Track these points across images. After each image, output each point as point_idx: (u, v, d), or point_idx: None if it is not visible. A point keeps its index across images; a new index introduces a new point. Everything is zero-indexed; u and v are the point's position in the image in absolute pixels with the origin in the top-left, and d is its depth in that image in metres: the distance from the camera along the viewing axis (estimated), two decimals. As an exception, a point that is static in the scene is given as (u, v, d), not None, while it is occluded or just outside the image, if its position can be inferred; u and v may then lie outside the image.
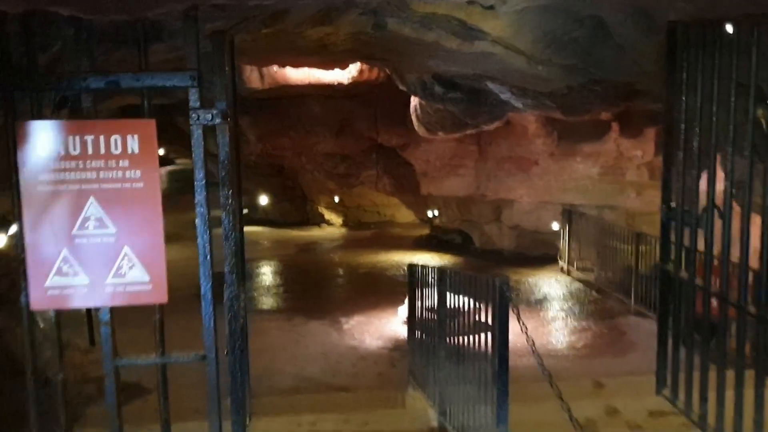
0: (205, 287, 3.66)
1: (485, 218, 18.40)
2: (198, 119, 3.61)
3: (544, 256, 17.37)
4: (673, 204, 5.34)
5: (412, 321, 8.94)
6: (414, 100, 11.43)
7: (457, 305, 6.16)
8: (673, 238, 5.39)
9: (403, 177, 18.68)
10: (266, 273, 17.86)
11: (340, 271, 17.84)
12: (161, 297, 3.68)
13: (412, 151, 17.58)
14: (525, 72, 8.41)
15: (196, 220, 3.63)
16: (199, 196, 3.59)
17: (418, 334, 8.58)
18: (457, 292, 6.06)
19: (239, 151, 5.16)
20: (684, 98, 5.06)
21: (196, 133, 3.63)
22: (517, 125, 15.84)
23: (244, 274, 5.23)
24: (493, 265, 17.62)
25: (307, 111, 17.49)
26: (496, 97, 10.16)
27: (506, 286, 4.58)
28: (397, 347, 11.08)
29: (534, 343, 5.77)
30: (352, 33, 7.10)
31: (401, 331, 11.76)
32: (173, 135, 28.40)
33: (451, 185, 17.80)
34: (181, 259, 20.18)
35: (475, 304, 5.49)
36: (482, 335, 5.71)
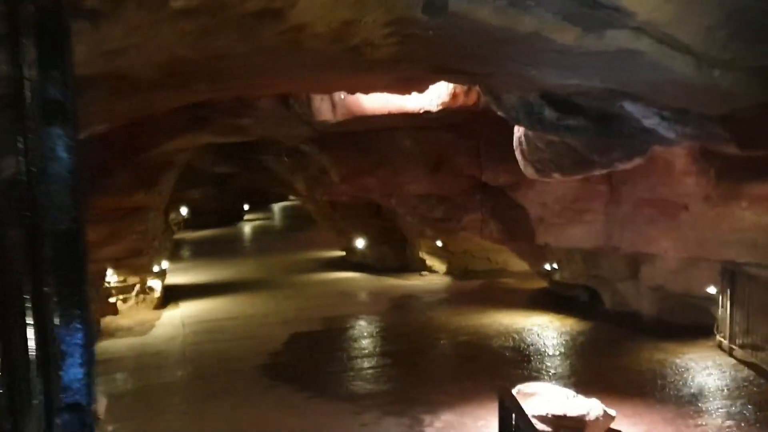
0: None
1: (619, 275, 14.81)
2: None
3: (694, 326, 13.57)
4: None
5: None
6: (518, 131, 8.37)
7: None
8: None
9: (515, 222, 15.47)
10: (347, 339, 15.07)
11: (435, 338, 14.76)
12: None
13: (524, 191, 14.36)
14: (690, 82, 5.18)
15: None
16: None
17: None
18: None
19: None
20: None
21: None
22: (659, 159, 12.27)
23: None
24: (628, 335, 13.99)
25: (395, 145, 14.73)
26: (636, 124, 6.91)
27: None
28: (494, 479, 7.88)
29: None
30: (392, 22, 4.20)
31: (502, 445, 8.57)
32: (263, 176, 26.52)
33: (574, 234, 14.38)
34: (257, 314, 17.95)
35: None
36: None
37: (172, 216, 42.63)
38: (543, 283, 18.64)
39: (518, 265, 21.03)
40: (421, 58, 5.38)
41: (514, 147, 8.92)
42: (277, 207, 53.28)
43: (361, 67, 5.72)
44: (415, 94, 9.69)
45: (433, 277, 21.63)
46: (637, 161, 8.45)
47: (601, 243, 14.18)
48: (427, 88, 8.17)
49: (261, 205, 50.37)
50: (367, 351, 13.89)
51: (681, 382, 11.18)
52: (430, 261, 22.09)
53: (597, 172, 9.45)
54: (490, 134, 14.20)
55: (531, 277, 19.88)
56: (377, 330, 15.70)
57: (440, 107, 11.38)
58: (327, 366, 12.98)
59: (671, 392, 10.74)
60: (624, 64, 4.98)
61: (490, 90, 7.09)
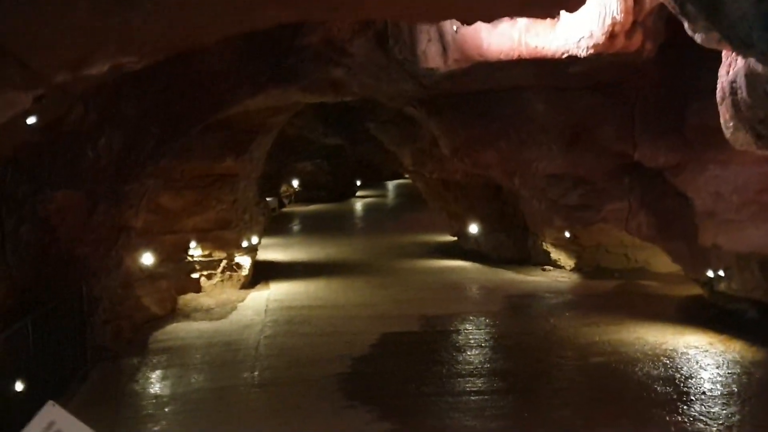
0: None
1: (812, 292, 11.14)
2: None
3: None
4: None
5: None
6: (729, 73, 5.26)
7: None
8: None
9: (671, 215, 12.04)
10: (449, 347, 12.24)
11: (561, 357, 11.68)
12: None
13: (690, 175, 10.92)
14: None
15: None
16: None
17: None
18: None
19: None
20: None
21: None
22: None
23: None
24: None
25: (523, 111, 11.66)
26: None
27: None
28: None
29: None
30: None
31: None
32: (371, 149, 23.76)
33: (757, 235, 10.81)
34: (348, 304, 15.37)
35: None
36: None
37: (283, 189, 41.56)
38: (695, 290, 15.00)
39: (663, 264, 17.40)
40: None
41: (718, 99, 5.76)
42: (391, 185, 51.54)
43: None
44: (559, 27, 6.72)
45: (558, 273, 18.38)
46: None
47: (796, 249, 10.58)
48: (583, 1, 5.22)
49: (374, 181, 48.94)
50: (472, 367, 11.04)
51: None
52: (556, 254, 18.84)
53: None
54: (649, 98, 10.90)
55: (679, 281, 16.27)
56: (487, 338, 12.80)
57: (591, 51, 8.24)
58: (419, 384, 10.27)
59: None
60: None
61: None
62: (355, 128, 21.34)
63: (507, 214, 20.34)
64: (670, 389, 9.86)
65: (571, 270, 18.39)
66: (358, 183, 44.94)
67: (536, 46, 8.39)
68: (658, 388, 9.91)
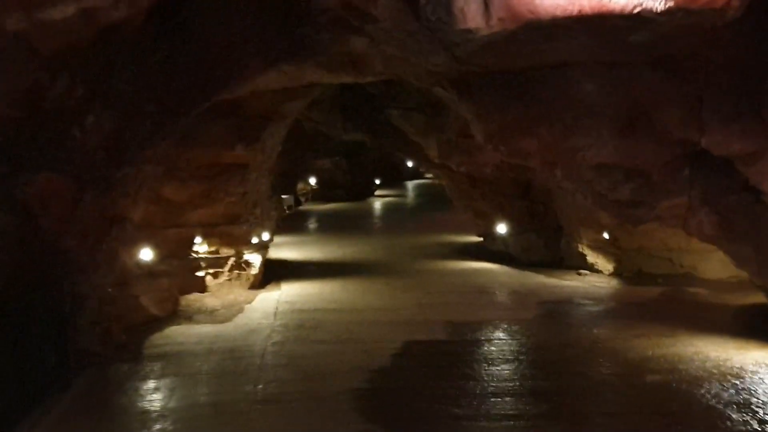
0: None
1: None
2: None
3: None
4: None
5: None
6: None
7: None
8: None
9: (738, 213, 10.46)
10: (480, 360, 10.75)
11: (609, 373, 10.13)
12: None
13: (767, 166, 9.36)
14: None
15: None
16: None
17: None
18: None
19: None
20: None
21: None
22: None
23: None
24: None
25: (570, 92, 10.11)
26: None
27: None
28: None
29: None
30: None
31: None
32: (394, 142, 22.12)
33: None
34: (366, 308, 12.82)
35: None
36: None
37: (300, 186, 40.28)
38: (753, 298, 13.41)
39: (711, 270, 15.86)
40: None
41: None
42: (410, 184, 50.36)
43: None
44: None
45: (596, 278, 16.81)
46: None
47: None
48: None
49: (394, 181, 47.90)
50: (510, 385, 9.53)
51: None
52: (592, 257, 17.27)
53: None
54: (721, 74, 9.33)
55: (731, 289, 14.75)
56: (524, 350, 11.28)
57: (669, 5, 6.71)
58: (449, 404, 8.80)
59: None
60: None
61: None
62: (377, 119, 19.90)
63: (538, 213, 18.83)
64: (749, 417, 8.30)
65: (609, 275, 16.82)
66: (377, 182, 43.71)
67: (599, 1, 6.89)
68: (734, 416, 8.35)
